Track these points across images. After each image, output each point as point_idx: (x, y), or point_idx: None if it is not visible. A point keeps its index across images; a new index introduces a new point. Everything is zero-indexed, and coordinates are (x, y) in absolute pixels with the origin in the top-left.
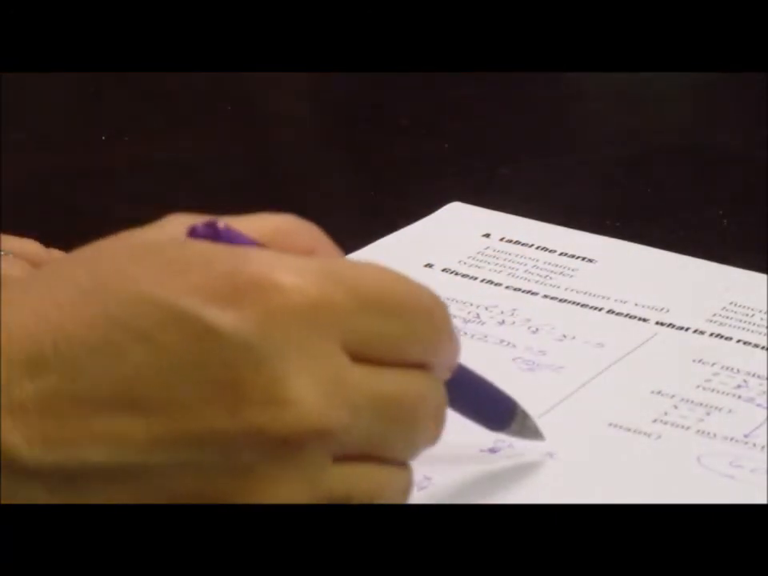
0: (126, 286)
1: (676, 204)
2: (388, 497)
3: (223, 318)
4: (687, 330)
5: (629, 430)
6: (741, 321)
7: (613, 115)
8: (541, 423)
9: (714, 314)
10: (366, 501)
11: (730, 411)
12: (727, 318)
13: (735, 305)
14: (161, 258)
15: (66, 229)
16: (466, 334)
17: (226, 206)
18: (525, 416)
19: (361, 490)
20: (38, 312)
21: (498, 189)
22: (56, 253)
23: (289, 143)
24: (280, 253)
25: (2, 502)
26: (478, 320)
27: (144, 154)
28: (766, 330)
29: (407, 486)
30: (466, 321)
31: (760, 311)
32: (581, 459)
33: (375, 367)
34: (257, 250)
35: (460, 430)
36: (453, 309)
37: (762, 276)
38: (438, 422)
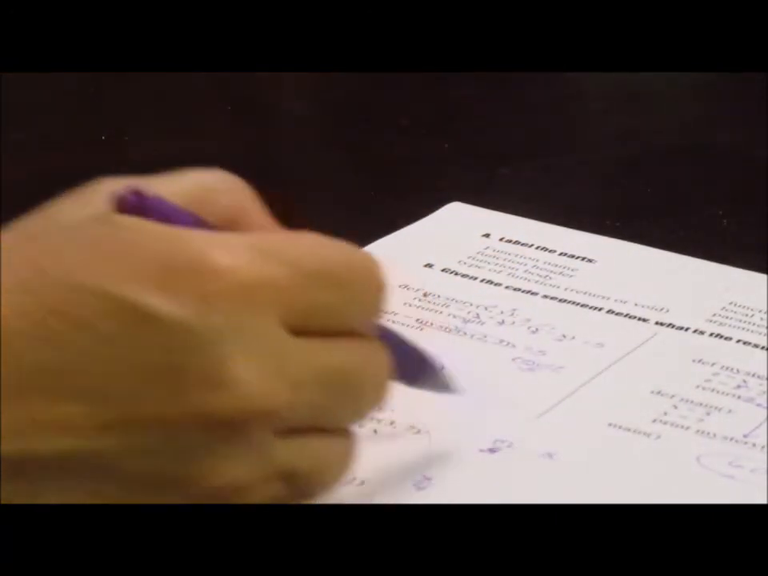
0: (61, 274)
1: (676, 204)
2: (333, 466)
3: (161, 304)
4: (687, 330)
5: (628, 430)
6: (741, 321)
7: (613, 115)
8: (541, 423)
9: (714, 314)
10: (312, 472)
11: (729, 411)
12: (727, 318)
13: (735, 305)
14: (96, 244)
15: None
16: (465, 334)
17: None
18: (440, 370)
19: (307, 462)
20: None
21: (498, 189)
22: None
23: (289, 143)
24: (213, 233)
25: None
26: (477, 320)
27: (144, 154)
28: (766, 330)
29: (351, 453)
30: (465, 321)
31: (760, 311)
32: (580, 459)
33: (318, 340)
34: (187, 230)
35: (460, 430)
36: (452, 309)
37: (761, 276)
38: (382, 388)
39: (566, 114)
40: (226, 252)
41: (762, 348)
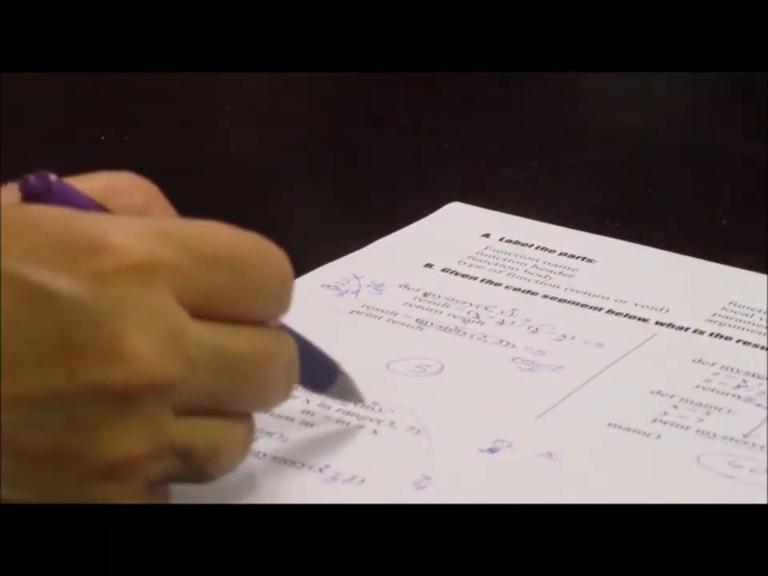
0: None
1: (676, 204)
2: (231, 450)
3: (56, 281)
4: (687, 329)
5: (628, 429)
6: (740, 321)
7: (613, 115)
8: (540, 423)
9: (714, 314)
10: (207, 453)
11: (729, 411)
12: (727, 318)
13: (735, 305)
14: None
15: None
16: (465, 333)
17: (225, 206)
18: (347, 379)
19: (202, 442)
20: None
21: (498, 189)
22: None
23: (288, 143)
24: (110, 214)
25: None
26: (477, 320)
27: (144, 154)
28: (765, 330)
29: (249, 438)
30: (465, 321)
31: (760, 311)
32: (580, 459)
33: (217, 323)
34: (86, 213)
35: (460, 430)
36: (452, 309)
37: (761, 276)
38: (290, 379)
39: (566, 114)
40: (121, 231)
41: (762, 348)
